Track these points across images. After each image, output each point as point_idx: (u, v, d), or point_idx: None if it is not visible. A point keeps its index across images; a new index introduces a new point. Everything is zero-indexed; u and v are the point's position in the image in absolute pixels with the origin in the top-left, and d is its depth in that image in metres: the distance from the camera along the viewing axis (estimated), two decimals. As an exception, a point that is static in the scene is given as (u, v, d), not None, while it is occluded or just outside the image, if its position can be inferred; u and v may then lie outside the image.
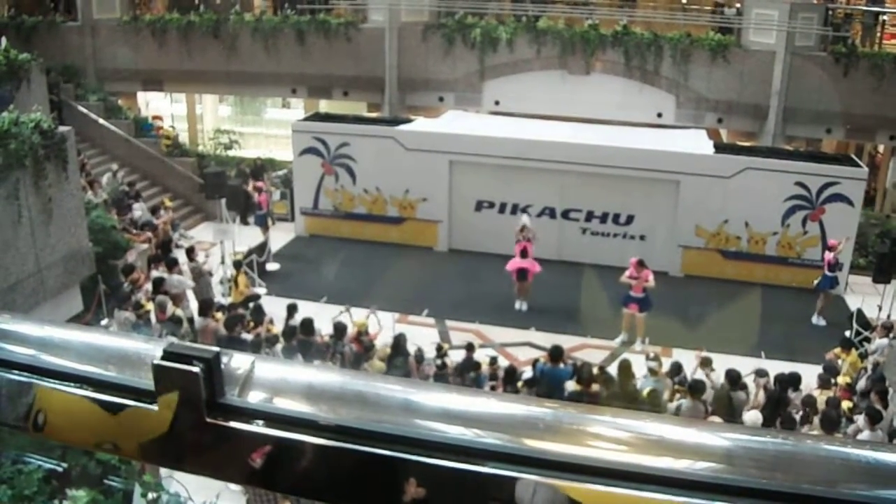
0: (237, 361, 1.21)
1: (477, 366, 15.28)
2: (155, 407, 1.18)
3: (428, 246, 24.02)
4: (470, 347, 15.96)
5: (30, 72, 18.40)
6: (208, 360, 1.15)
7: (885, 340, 16.36)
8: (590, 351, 18.16)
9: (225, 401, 1.17)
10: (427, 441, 1.10)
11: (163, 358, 1.17)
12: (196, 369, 1.14)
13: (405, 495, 1.10)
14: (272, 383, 1.20)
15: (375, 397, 1.17)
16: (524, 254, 19.89)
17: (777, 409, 13.58)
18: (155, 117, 31.00)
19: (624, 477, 1.04)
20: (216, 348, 1.18)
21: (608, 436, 1.10)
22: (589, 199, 22.81)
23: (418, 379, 13.89)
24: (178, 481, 8.60)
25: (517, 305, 20.23)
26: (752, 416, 13.62)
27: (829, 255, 20.13)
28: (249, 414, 1.16)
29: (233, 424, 1.16)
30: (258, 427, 1.15)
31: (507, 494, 1.07)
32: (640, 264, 18.49)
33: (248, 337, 15.27)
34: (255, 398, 1.17)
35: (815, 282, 20.43)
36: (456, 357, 15.84)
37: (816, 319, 20.33)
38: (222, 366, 1.18)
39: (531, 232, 20.18)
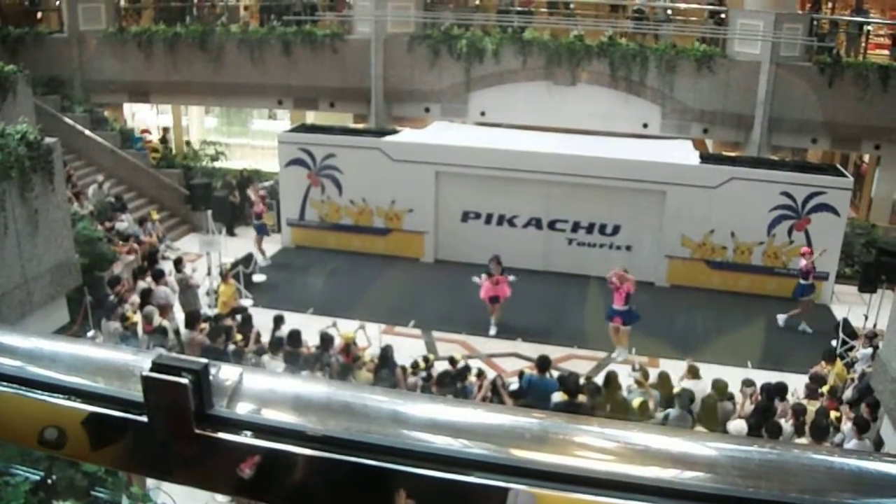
0: (225, 373, 1.21)
1: (463, 376, 15.24)
2: (144, 418, 1.19)
3: (414, 257, 24.00)
4: (452, 361, 15.98)
5: (16, 83, 18.36)
6: (197, 372, 1.16)
7: (869, 350, 16.41)
8: (576, 361, 18.15)
9: (213, 412, 1.17)
10: (415, 451, 1.11)
11: (152, 369, 1.17)
12: (185, 381, 1.15)
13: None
14: (260, 394, 1.20)
15: (363, 408, 1.18)
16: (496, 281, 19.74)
17: (763, 418, 13.60)
18: (143, 131, 30.96)
19: (611, 486, 1.05)
20: (205, 360, 1.18)
21: (595, 446, 1.10)
22: (575, 210, 22.81)
23: (405, 390, 13.90)
24: (165, 492, 8.58)
25: (492, 331, 20.06)
26: (737, 425, 13.64)
27: (803, 263, 20.24)
28: (238, 425, 1.16)
29: (221, 435, 1.16)
30: (247, 438, 1.15)
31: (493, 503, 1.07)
32: (624, 275, 18.44)
33: (232, 348, 15.25)
34: (243, 409, 1.18)
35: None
36: (443, 368, 15.81)
37: (802, 326, 20.48)
38: (211, 377, 1.18)
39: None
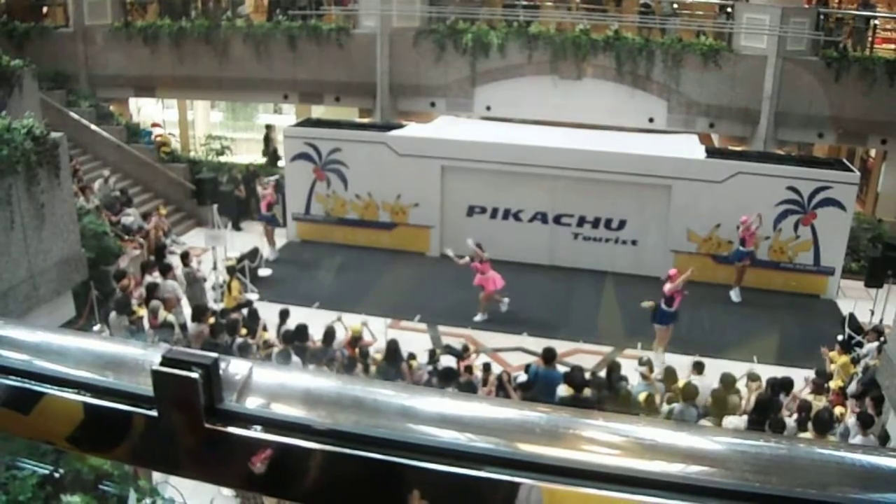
0: (235, 367, 1.21)
1: (469, 370, 15.25)
2: (154, 412, 1.19)
3: (420, 251, 23.99)
4: (465, 349, 16.03)
5: (22, 78, 18.36)
6: (207, 366, 1.16)
7: (874, 344, 16.40)
8: (582, 356, 18.12)
9: (223, 406, 1.17)
10: (423, 445, 1.11)
11: (162, 364, 1.17)
12: (195, 375, 1.15)
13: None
14: (270, 389, 1.21)
15: (372, 402, 1.18)
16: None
17: (768, 412, 13.58)
18: (154, 124, 30.97)
19: (618, 481, 1.05)
20: (215, 354, 1.18)
21: (602, 440, 1.10)
22: (581, 204, 22.78)
23: (412, 384, 13.91)
24: (172, 486, 8.60)
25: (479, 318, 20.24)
26: (732, 421, 13.61)
27: (741, 230, 20.99)
28: (248, 419, 1.16)
29: (231, 430, 1.16)
30: (256, 432, 1.15)
31: (501, 498, 1.08)
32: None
33: (239, 341, 15.27)
34: (253, 404, 1.18)
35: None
36: (448, 363, 15.78)
37: (735, 296, 21.39)
38: (221, 372, 1.18)
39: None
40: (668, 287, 18.00)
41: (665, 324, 18.19)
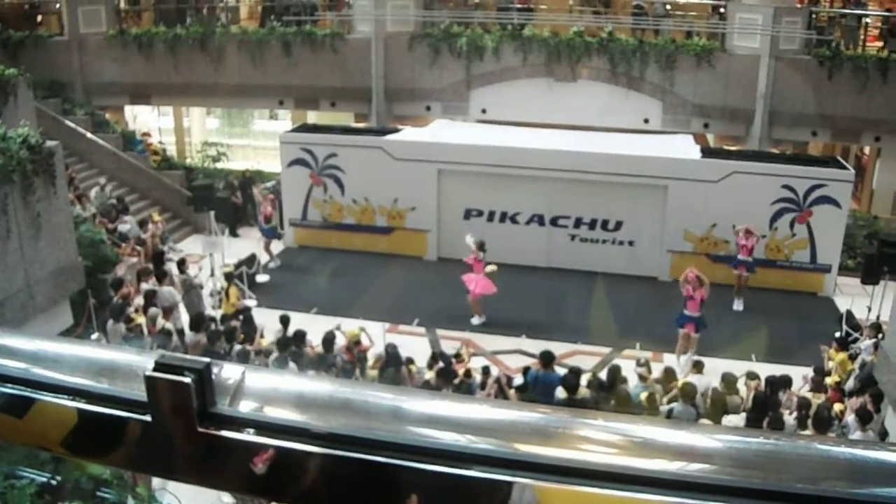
0: (228, 372, 1.21)
1: (468, 373, 15.23)
2: (148, 417, 1.19)
3: (417, 255, 23.96)
4: (457, 355, 16.00)
5: (17, 87, 18.35)
6: (199, 371, 1.16)
7: (871, 340, 16.41)
8: (580, 357, 18.10)
9: (216, 410, 1.17)
10: (418, 447, 1.11)
11: (155, 369, 1.17)
12: (188, 380, 1.15)
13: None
14: (263, 393, 1.21)
15: (365, 405, 1.18)
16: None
17: (765, 410, 13.57)
18: (144, 134, 30.93)
19: (615, 479, 1.05)
20: (207, 359, 1.19)
21: (599, 439, 1.11)
22: (577, 206, 22.76)
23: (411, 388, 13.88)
24: (170, 493, 8.58)
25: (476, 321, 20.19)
26: (732, 420, 13.60)
27: (739, 240, 20.75)
28: (241, 423, 1.17)
29: (224, 434, 1.16)
30: (249, 436, 1.16)
31: (495, 498, 1.08)
32: (699, 280, 18.04)
33: (237, 348, 15.25)
34: (246, 408, 1.18)
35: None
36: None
37: (737, 305, 21.07)
38: (213, 376, 1.19)
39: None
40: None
41: (679, 325, 18.09)
